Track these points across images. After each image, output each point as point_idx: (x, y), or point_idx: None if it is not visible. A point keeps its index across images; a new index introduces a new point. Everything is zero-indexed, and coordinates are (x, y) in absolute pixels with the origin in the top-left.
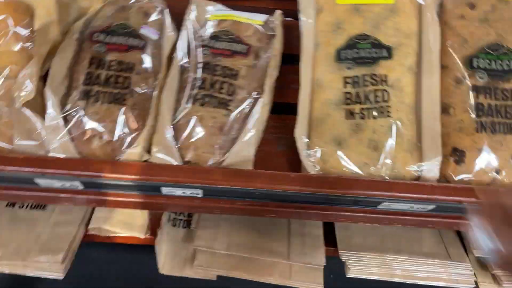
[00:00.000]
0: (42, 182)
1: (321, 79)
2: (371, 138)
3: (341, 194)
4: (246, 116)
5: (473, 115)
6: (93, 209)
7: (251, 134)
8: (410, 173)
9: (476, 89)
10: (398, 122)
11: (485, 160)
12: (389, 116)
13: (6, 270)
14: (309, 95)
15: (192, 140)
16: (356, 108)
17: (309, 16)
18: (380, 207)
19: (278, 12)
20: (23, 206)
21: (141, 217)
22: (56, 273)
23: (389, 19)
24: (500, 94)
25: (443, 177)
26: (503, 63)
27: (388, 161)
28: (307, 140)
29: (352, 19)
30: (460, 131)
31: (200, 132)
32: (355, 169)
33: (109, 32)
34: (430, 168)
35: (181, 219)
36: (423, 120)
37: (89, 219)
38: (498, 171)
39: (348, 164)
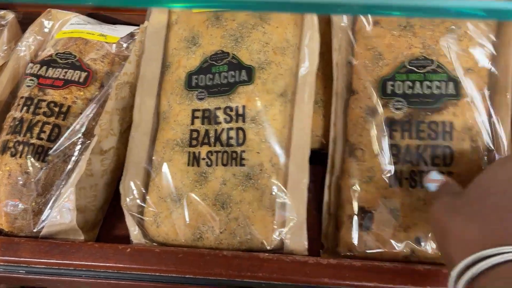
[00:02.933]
0: None
1: (167, 112)
2: (219, 192)
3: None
4: (72, 169)
5: (386, 162)
6: None
7: (70, 194)
8: (271, 241)
9: (390, 123)
10: (257, 170)
11: (400, 225)
12: (242, 165)
13: None
14: (148, 133)
15: (1, 203)
16: (203, 151)
17: (157, 30)
18: None
19: (146, 24)
20: None
21: None
22: None
23: (256, 29)
24: (426, 131)
25: (347, 249)
26: (431, 85)
27: (241, 223)
28: (138, 197)
29: (211, 31)
30: (368, 184)
31: (9, 193)
32: (194, 236)
33: None
34: (294, 235)
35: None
36: (290, 166)
37: None
38: (419, 240)
39: (185, 230)
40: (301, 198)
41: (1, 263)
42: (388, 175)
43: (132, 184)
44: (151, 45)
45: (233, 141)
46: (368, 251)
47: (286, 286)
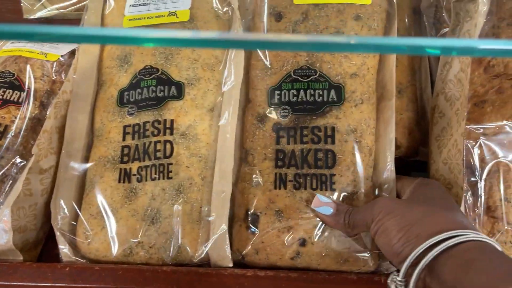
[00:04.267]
0: None
1: (100, 129)
2: (148, 207)
3: None
4: (10, 189)
5: (272, 165)
6: None
7: (6, 214)
8: (199, 254)
9: (277, 129)
10: (186, 183)
11: (285, 227)
12: (170, 178)
13: None
14: (81, 150)
15: None
16: (134, 167)
17: (90, 48)
18: None
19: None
20: None
21: None
22: None
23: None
24: (309, 136)
25: (238, 252)
26: (314, 93)
27: (170, 237)
28: (68, 214)
29: (142, 49)
30: (257, 187)
31: None
32: (124, 252)
33: None
34: (218, 247)
35: None
36: (215, 178)
37: None
38: (304, 242)
39: (114, 246)
40: (223, 209)
41: None
42: (274, 178)
43: (62, 202)
44: (85, 63)
45: (160, 154)
46: (255, 253)
47: None
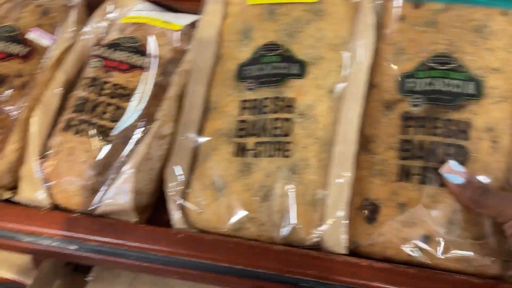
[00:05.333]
0: None
1: (216, 102)
2: (263, 184)
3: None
4: (133, 151)
5: (397, 156)
6: None
7: (130, 176)
8: (311, 237)
9: (406, 118)
10: (301, 164)
11: (408, 221)
12: (287, 156)
13: None
14: (196, 121)
15: (61, 179)
16: (250, 142)
17: (213, 20)
18: None
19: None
20: None
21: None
22: None
23: (311, 25)
24: (442, 128)
25: (353, 242)
26: (452, 84)
27: (283, 217)
28: (182, 181)
29: (264, 25)
30: (378, 176)
31: (69, 168)
32: (235, 225)
33: None
34: (333, 233)
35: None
36: (332, 162)
37: None
38: (426, 239)
39: (226, 218)
40: (341, 195)
41: (55, 237)
42: (398, 169)
43: (176, 170)
44: (205, 35)
45: (278, 131)
46: (371, 245)
47: (333, 286)
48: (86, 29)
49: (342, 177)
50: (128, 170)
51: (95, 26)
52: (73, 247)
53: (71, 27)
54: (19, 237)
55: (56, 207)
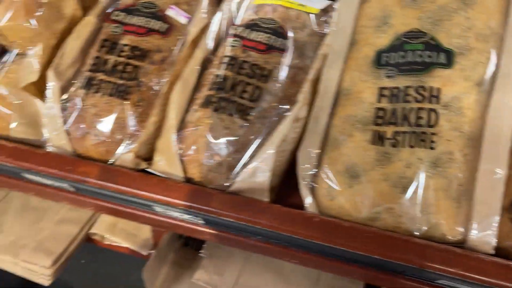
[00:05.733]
0: (29, 176)
1: (349, 88)
2: (402, 175)
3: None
4: (269, 131)
5: None
6: None
7: (269, 155)
8: (454, 234)
9: None
10: (445, 157)
11: None
12: (432, 148)
13: None
14: (329, 106)
15: (198, 153)
16: (388, 131)
17: (350, 5)
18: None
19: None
20: None
21: (149, 229)
22: (43, 278)
23: (458, 13)
24: None
25: (499, 241)
26: None
27: (424, 210)
28: (313, 165)
29: (405, 12)
30: None
31: (208, 145)
32: (370, 214)
33: (131, 11)
34: (479, 231)
35: (194, 239)
36: (482, 158)
37: (96, 220)
38: None
39: (362, 207)
40: (495, 193)
41: (188, 210)
42: None
43: (309, 152)
44: (342, 20)
45: (423, 121)
46: None
47: (477, 286)
48: (221, 8)
49: (495, 173)
50: (268, 151)
51: (230, 6)
52: (200, 221)
53: (206, 6)
54: (152, 207)
55: (188, 181)
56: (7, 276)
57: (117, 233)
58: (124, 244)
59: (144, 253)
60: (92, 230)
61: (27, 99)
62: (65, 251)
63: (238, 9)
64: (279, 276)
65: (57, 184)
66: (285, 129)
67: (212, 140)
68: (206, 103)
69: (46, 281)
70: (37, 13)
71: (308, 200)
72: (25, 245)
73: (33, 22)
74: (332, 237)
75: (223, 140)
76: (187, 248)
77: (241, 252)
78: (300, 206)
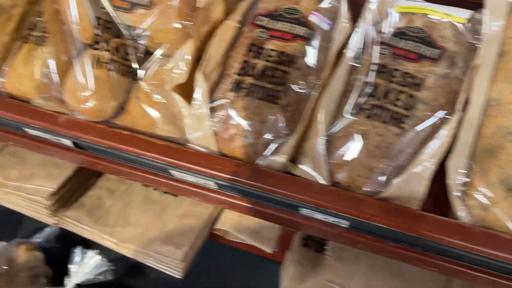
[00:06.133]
0: (175, 173)
1: (498, 99)
2: None
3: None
4: (423, 140)
5: None
6: None
7: (427, 165)
8: None
9: None
10: None
11: None
12: None
13: (130, 254)
14: (479, 117)
15: (348, 158)
16: None
17: (498, 16)
18: None
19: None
20: (157, 188)
21: (271, 228)
22: (175, 270)
23: None
24: None
25: None
26: None
27: None
28: (464, 177)
29: None
30: None
31: (359, 150)
32: None
33: (274, 17)
34: None
35: (314, 240)
36: None
37: (218, 216)
38: None
39: None
40: None
41: (340, 214)
42: None
43: (460, 163)
44: (490, 31)
45: None
46: None
47: None
48: (362, 16)
49: None
50: (427, 162)
51: (369, 14)
52: (344, 224)
53: (345, 14)
54: (299, 209)
55: (334, 185)
56: None
57: (242, 230)
58: (249, 241)
59: (269, 251)
60: (217, 226)
61: (172, 99)
62: (193, 245)
63: (380, 17)
64: (404, 282)
65: (201, 181)
66: (442, 139)
67: (366, 147)
68: (357, 110)
69: (178, 274)
70: (189, 17)
71: (460, 210)
72: (155, 237)
73: (182, 25)
74: (497, 250)
75: (377, 147)
76: (307, 249)
77: (368, 257)
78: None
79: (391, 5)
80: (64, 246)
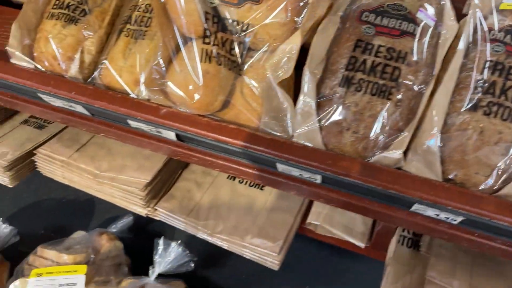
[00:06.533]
0: (280, 166)
1: None
2: None
3: None
4: None
5: None
6: (310, 201)
7: None
8: None
9: None
10: None
11: None
12: None
13: (225, 246)
14: None
15: (465, 156)
16: None
17: None
18: None
19: None
20: (242, 182)
21: (362, 223)
22: (272, 263)
23: None
24: None
25: None
26: None
27: None
28: None
29: None
30: None
31: (477, 147)
32: None
33: (380, 13)
34: None
35: (406, 237)
36: None
37: (306, 211)
38: None
39: None
40: None
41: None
42: None
43: None
44: None
45: None
46: None
47: None
48: (469, 14)
49: None
50: None
51: (475, 11)
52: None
53: (451, 12)
54: (413, 206)
55: (446, 181)
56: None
57: (335, 225)
58: (343, 236)
59: (362, 246)
60: (309, 220)
61: (275, 94)
62: (287, 239)
63: (486, 14)
64: (508, 282)
65: (306, 175)
66: None
67: (483, 144)
68: (475, 107)
69: (275, 266)
70: (296, 12)
71: None
72: (247, 230)
73: (289, 20)
74: None
75: (497, 144)
76: (402, 246)
77: (466, 255)
78: None
79: (492, 2)
80: (137, 236)
